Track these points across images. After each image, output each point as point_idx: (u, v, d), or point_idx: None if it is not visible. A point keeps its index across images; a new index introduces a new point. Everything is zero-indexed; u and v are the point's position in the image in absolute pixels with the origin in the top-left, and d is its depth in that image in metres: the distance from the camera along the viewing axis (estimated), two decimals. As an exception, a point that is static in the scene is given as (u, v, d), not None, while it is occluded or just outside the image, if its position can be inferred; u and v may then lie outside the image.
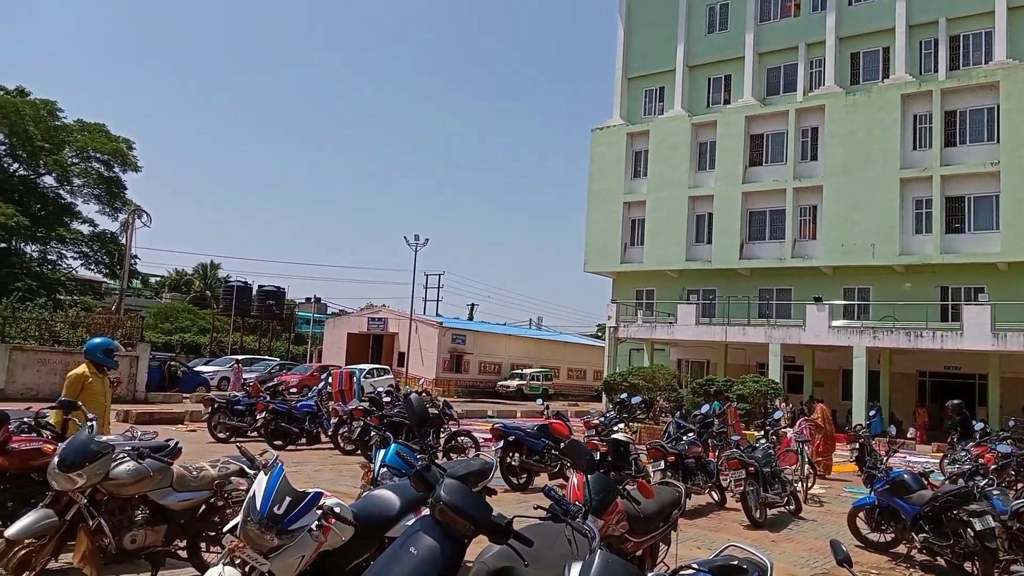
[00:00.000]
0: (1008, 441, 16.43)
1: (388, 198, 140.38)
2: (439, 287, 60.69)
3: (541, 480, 11.65)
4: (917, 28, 31.33)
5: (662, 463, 10.44)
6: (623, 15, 39.34)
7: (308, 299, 60.51)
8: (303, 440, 15.40)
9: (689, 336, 31.15)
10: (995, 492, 8.46)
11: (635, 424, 19.10)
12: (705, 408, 15.03)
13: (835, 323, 28.01)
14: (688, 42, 36.95)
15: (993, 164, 28.63)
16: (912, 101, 30.71)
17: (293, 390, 19.63)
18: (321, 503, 4.10)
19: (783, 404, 22.14)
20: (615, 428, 12.42)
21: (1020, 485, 12.40)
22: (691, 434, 11.60)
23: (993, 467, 12.41)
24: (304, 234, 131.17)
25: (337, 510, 4.13)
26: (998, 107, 28.92)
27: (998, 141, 28.82)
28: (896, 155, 30.53)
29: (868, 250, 30.51)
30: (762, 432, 13.24)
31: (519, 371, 43.41)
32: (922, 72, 31.17)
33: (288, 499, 3.94)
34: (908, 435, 25.45)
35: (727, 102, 35.91)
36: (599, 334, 55.67)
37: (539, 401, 15.44)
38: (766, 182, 33.85)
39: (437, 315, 51.64)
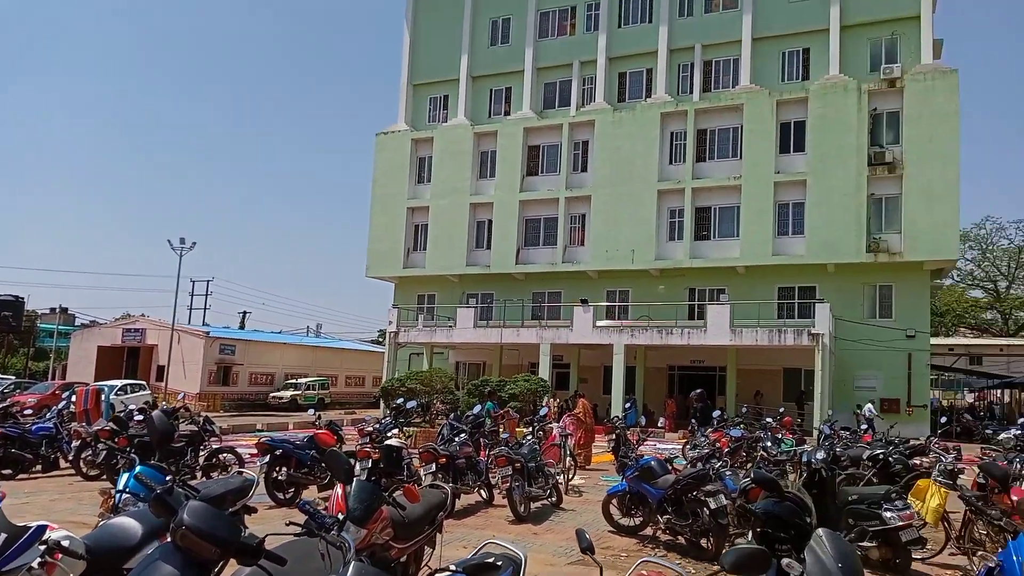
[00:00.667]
0: (741, 426, 18.61)
1: (153, 201, 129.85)
2: (207, 294, 57.34)
3: (311, 493, 11.44)
4: (677, 52, 34.31)
5: (433, 465, 10.69)
6: (409, 22, 39.57)
7: (53, 309, 54.43)
8: (39, 467, 13.83)
9: (467, 339, 32.01)
10: (728, 473, 9.54)
11: (411, 429, 19.28)
12: (477, 409, 15.56)
13: (599, 323, 30.03)
14: (472, 53, 37.92)
15: (735, 178, 32.12)
16: (670, 119, 33.67)
17: (29, 411, 17.52)
18: (46, 537, 3.81)
19: (551, 401, 23.46)
20: (389, 434, 12.49)
21: (749, 465, 14.12)
22: (463, 435, 11.97)
23: (727, 450, 14.03)
24: (50, 237, 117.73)
25: (65, 543, 3.85)
26: (741, 127, 32.47)
27: (740, 157, 32.38)
28: (655, 169, 33.36)
29: (629, 256, 33.09)
30: (530, 428, 13.95)
31: (293, 381, 41.95)
32: (680, 93, 34.22)
33: (3, 536, 3.62)
34: (659, 424, 27.93)
35: (507, 113, 37.30)
36: (380, 340, 55.28)
37: (311, 411, 15.09)
38: (542, 191, 35.63)
39: (204, 324, 48.65)
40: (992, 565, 4.54)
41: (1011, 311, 59.22)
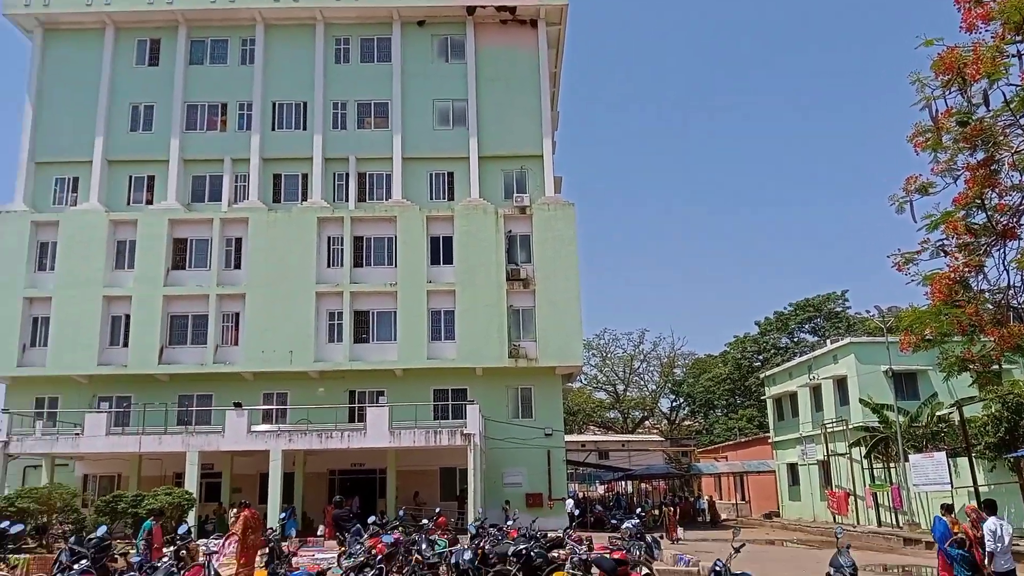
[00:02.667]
0: (399, 529, 18.75)
1: None
2: None
3: None
4: (332, 161, 35.10)
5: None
6: (32, 94, 35.36)
7: None
8: None
9: (99, 448, 28.06)
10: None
11: (21, 556, 16.26)
12: (102, 530, 13.63)
13: (255, 428, 28.51)
14: (108, 135, 34.89)
15: (392, 284, 33.34)
16: (327, 224, 34.11)
17: None
18: None
19: (227, 511, 21.24)
20: (-12, 571, 10.39)
21: (406, 569, 14.20)
22: (83, 561, 10.40)
23: (382, 556, 14.00)
24: None
25: None
26: (396, 237, 34.00)
27: (396, 265, 33.74)
28: (313, 270, 33.32)
29: (287, 357, 32.21)
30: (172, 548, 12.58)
31: None
32: (336, 199, 34.85)
33: None
34: (319, 532, 26.91)
35: (150, 202, 34.73)
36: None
37: None
38: (189, 286, 33.42)
39: None
40: None
41: (628, 411, 68.63)
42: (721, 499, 50.48)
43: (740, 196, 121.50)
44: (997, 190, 11.00)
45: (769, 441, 44.67)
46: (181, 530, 14.70)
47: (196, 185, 35.23)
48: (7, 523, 15.28)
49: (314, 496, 31.30)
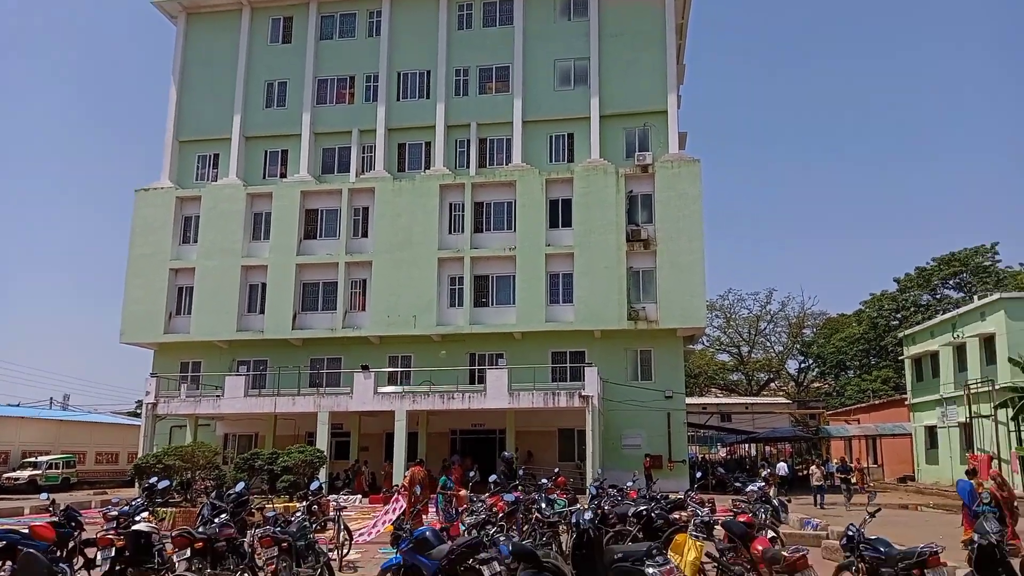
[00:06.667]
0: (520, 488, 18.92)
1: None
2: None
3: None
4: (453, 128, 35.54)
5: (188, 551, 9.70)
6: (176, 76, 37.66)
7: None
8: None
9: (237, 409, 30.01)
10: (502, 538, 9.55)
11: (168, 510, 17.57)
12: (240, 486, 14.46)
13: (381, 389, 29.53)
14: (245, 113, 36.73)
15: (511, 249, 33.53)
16: (448, 191, 34.62)
17: None
18: None
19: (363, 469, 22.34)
20: (138, 517, 11.19)
21: (526, 527, 14.33)
22: (223, 515, 11.02)
23: (503, 514, 14.16)
24: None
25: None
26: (515, 202, 34.11)
27: (515, 230, 33.89)
28: (435, 237, 33.97)
29: (410, 321, 33.12)
30: (304, 504, 13.19)
31: (32, 459, 36.90)
32: (457, 167, 35.34)
33: None
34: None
35: (283, 175, 36.36)
36: (138, 412, 50.47)
37: (43, 495, 13.11)
38: (320, 255, 34.85)
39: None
40: None
41: (753, 373, 66.50)
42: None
43: (879, 148, 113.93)
44: None
45: (906, 403, 42.11)
46: (313, 486, 15.38)
47: (326, 157, 36.55)
48: (155, 479, 16.47)
49: (436, 455, 32.22)
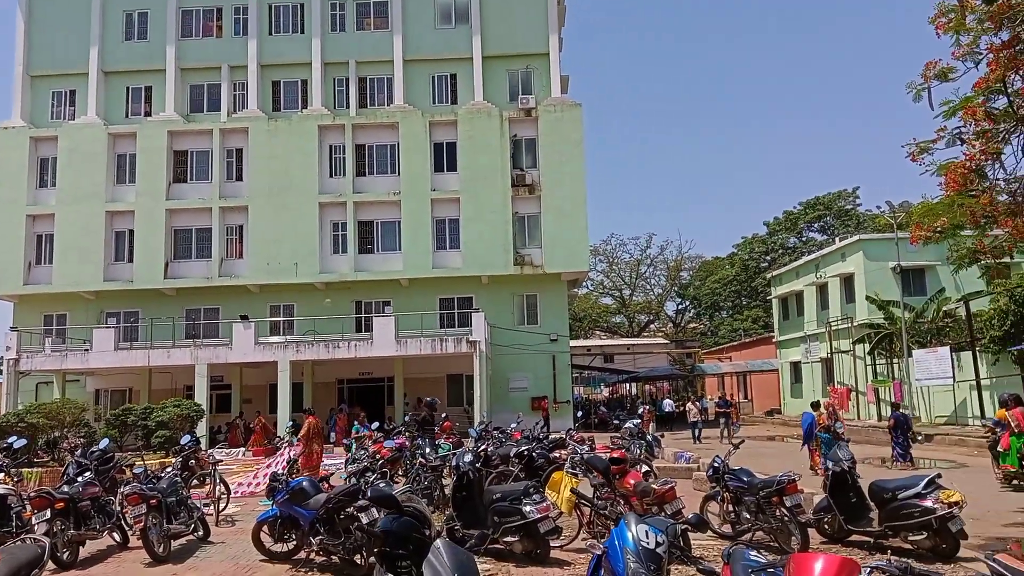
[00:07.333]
0: (405, 434, 18.94)
1: None
2: None
3: None
4: (331, 66, 34.08)
5: (48, 512, 9.17)
6: (23, 4, 34.19)
7: None
8: None
9: (107, 363, 28.45)
10: (382, 484, 9.51)
11: (33, 470, 16.59)
12: (104, 443, 13.76)
13: (262, 340, 28.71)
14: (103, 45, 33.95)
15: (395, 193, 32.85)
16: (328, 132, 33.37)
17: None
18: None
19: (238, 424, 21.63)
20: (-9, 482, 10.48)
21: (411, 473, 14.34)
22: (87, 473, 10.46)
23: (386, 459, 14.13)
24: None
25: None
26: (398, 144, 33.28)
27: (399, 174, 33.15)
28: (315, 181, 32.82)
29: (292, 269, 32.12)
30: (177, 459, 12.72)
31: None
32: (336, 107, 34.04)
33: None
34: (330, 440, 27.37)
35: (148, 114, 34.05)
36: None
37: None
38: (192, 199, 33.12)
39: None
40: (599, 553, 4.66)
41: (634, 315, 68.87)
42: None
43: (754, 94, 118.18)
44: (1021, 72, 10.32)
45: (773, 341, 44.81)
46: (184, 440, 14.84)
47: (194, 95, 34.44)
48: (13, 438, 15.54)
49: (323, 405, 31.76)
